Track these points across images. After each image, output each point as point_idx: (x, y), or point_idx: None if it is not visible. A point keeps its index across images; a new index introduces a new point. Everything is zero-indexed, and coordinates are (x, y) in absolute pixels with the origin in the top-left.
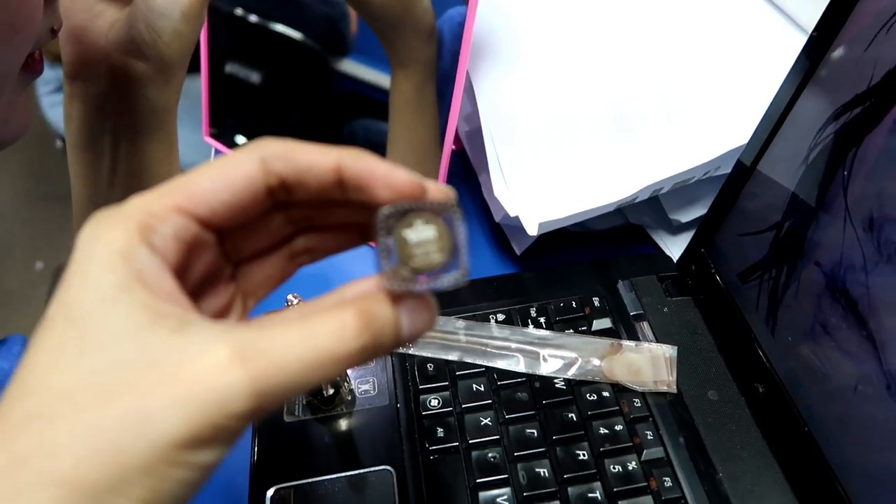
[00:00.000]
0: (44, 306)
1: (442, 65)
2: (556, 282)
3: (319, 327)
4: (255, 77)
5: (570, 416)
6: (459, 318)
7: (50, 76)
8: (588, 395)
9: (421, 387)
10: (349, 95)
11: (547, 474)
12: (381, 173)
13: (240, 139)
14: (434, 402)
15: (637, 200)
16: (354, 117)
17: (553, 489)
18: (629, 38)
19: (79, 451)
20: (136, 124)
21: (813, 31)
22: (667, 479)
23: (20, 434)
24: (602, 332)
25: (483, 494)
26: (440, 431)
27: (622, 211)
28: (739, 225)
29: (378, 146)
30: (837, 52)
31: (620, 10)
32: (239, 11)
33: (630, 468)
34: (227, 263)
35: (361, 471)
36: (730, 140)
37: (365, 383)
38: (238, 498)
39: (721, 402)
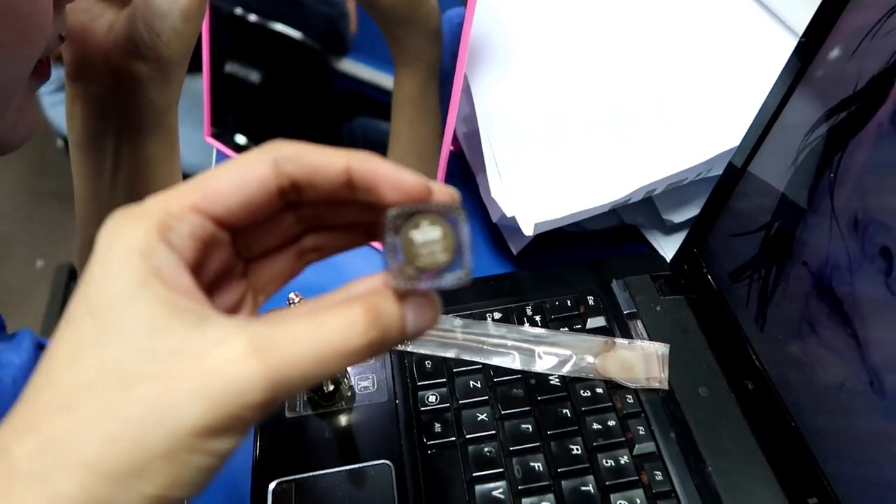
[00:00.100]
0: (45, 304)
1: (442, 65)
2: (551, 281)
3: (329, 323)
4: (254, 76)
5: (564, 412)
6: (457, 316)
7: (51, 76)
8: (582, 391)
9: (419, 383)
10: (349, 94)
11: (541, 468)
12: (388, 175)
13: (240, 138)
14: (432, 399)
15: (631, 201)
16: (354, 116)
17: (547, 483)
18: (624, 42)
19: (103, 438)
20: (137, 124)
21: (801, 37)
22: (658, 472)
23: (46, 421)
24: (596, 331)
25: (479, 488)
26: (438, 427)
27: (617, 211)
28: (731, 225)
29: (377, 145)
30: (824, 58)
31: (615, 13)
32: (239, 11)
33: (622, 462)
34: (240, 261)
35: (361, 465)
36: (722, 142)
37: (364, 380)
38: (241, 491)
39: (711, 399)
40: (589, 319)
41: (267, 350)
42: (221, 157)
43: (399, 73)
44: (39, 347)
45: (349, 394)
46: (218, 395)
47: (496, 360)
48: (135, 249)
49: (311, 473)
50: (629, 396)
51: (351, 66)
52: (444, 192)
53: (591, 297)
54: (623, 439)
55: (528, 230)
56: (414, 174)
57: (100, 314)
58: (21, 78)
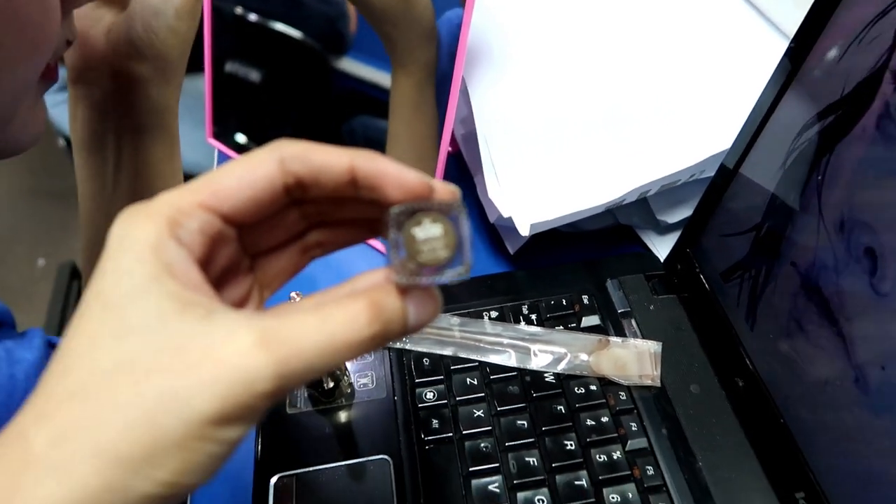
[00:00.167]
0: (45, 302)
1: (440, 66)
2: (547, 280)
3: (334, 316)
4: (254, 76)
5: (558, 408)
6: (454, 314)
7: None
8: (576, 388)
9: (417, 380)
10: (348, 93)
11: (536, 463)
12: (392, 174)
13: (240, 138)
14: (429, 395)
15: (626, 202)
16: (354, 115)
17: (542, 477)
18: (619, 46)
19: (119, 426)
20: (138, 124)
21: (791, 42)
22: (649, 467)
23: (63, 410)
24: (590, 329)
25: (475, 482)
26: (435, 423)
27: (612, 212)
28: (723, 226)
29: (377, 143)
30: (813, 63)
31: (611, 18)
32: (239, 10)
33: (615, 457)
34: (246, 256)
35: (360, 460)
36: (714, 144)
37: (364, 377)
38: (243, 485)
39: (702, 396)
40: (584, 318)
41: (274, 342)
42: (223, 157)
43: (395, 74)
44: (49, 345)
45: (349, 390)
46: (228, 385)
47: (493, 358)
48: (146, 245)
49: (311, 468)
50: (622, 393)
51: (351, 66)
52: (445, 190)
53: (586, 296)
54: (616, 435)
55: (525, 231)
56: (416, 172)
57: (113, 308)
58: (31, 83)
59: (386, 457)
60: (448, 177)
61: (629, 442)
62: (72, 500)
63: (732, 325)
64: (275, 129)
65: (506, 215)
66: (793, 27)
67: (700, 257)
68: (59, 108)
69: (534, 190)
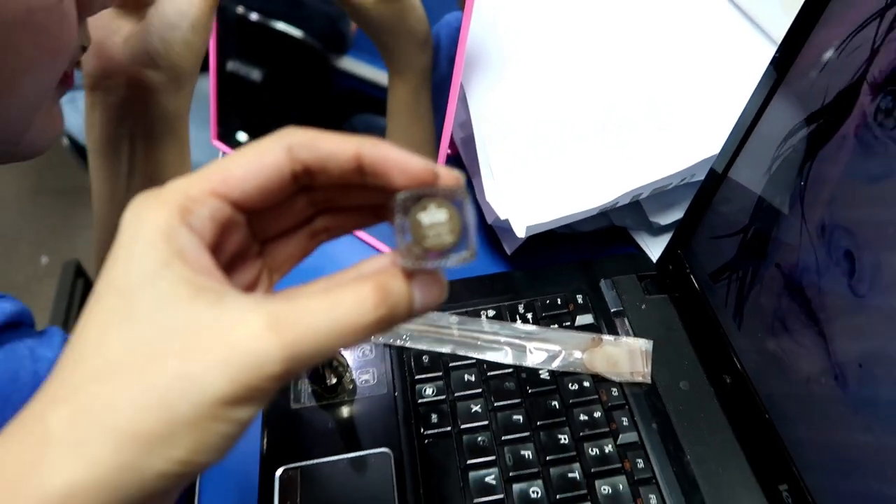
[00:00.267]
0: (48, 300)
1: (439, 69)
2: (543, 280)
3: (341, 300)
4: (256, 75)
5: (553, 403)
6: (453, 313)
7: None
8: (570, 384)
9: (417, 377)
10: (349, 92)
11: (531, 456)
12: (397, 161)
13: (242, 136)
14: (429, 391)
15: (619, 205)
16: (354, 113)
17: (536, 469)
18: (613, 53)
19: (134, 407)
20: (151, 130)
21: (776, 52)
22: (639, 460)
23: (80, 391)
24: (584, 328)
25: (473, 474)
26: (434, 417)
27: (606, 214)
28: (712, 228)
29: None
30: (797, 73)
31: (606, 26)
32: (240, 10)
33: (606, 451)
34: (255, 242)
35: (362, 453)
36: (704, 149)
37: (365, 373)
38: (250, 477)
39: (691, 392)
40: (578, 317)
41: (283, 325)
42: None
43: (392, 80)
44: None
45: (351, 386)
46: (239, 367)
47: (489, 356)
48: (158, 232)
49: (315, 461)
50: (614, 389)
51: (351, 64)
52: (450, 176)
53: (581, 296)
54: (608, 430)
55: (521, 232)
56: (421, 159)
57: (126, 294)
58: (49, 89)
59: (387, 450)
60: None
61: (620, 436)
62: (89, 477)
63: (721, 324)
64: (276, 127)
65: (503, 217)
66: (781, 35)
67: (690, 259)
68: (65, 108)
69: (530, 192)
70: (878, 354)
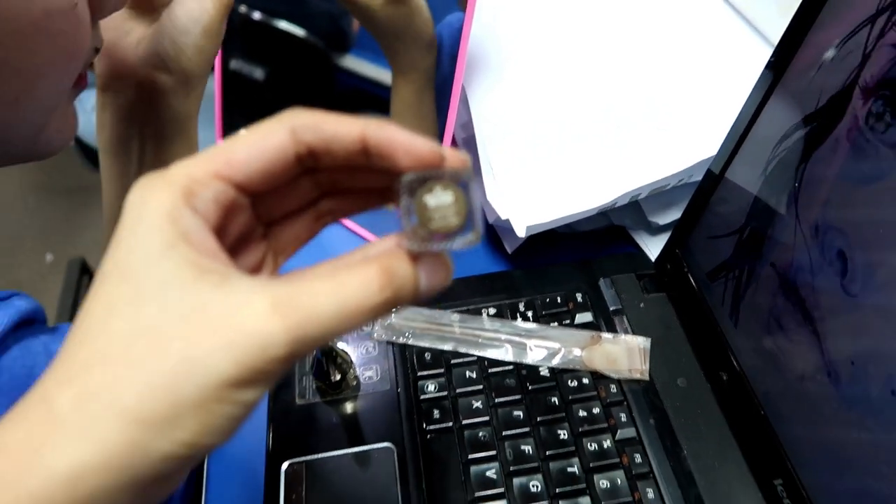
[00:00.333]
0: (54, 297)
1: (441, 69)
2: (543, 279)
3: (347, 282)
4: (258, 73)
5: (552, 400)
6: (454, 311)
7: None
8: (569, 381)
9: (419, 373)
10: (351, 91)
11: (531, 451)
12: (402, 142)
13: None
14: (431, 387)
15: (618, 205)
16: (357, 111)
17: (536, 464)
18: (613, 55)
19: (140, 389)
20: (161, 131)
21: (771, 56)
22: (637, 455)
23: (85, 373)
24: (583, 326)
25: (474, 468)
26: (436, 413)
27: (606, 213)
28: (709, 228)
29: None
30: (792, 76)
31: (605, 28)
32: (243, 9)
33: (605, 446)
34: (260, 224)
35: (365, 447)
36: (702, 150)
37: (369, 370)
38: (256, 471)
39: (689, 389)
40: (577, 315)
41: (288, 308)
42: None
43: (396, 81)
44: None
45: (354, 383)
46: (244, 350)
47: (490, 353)
48: (163, 214)
49: (320, 455)
50: (613, 386)
51: (353, 63)
52: (456, 158)
53: (580, 295)
54: (606, 425)
55: (521, 232)
56: (427, 140)
57: (131, 276)
58: (65, 90)
59: (390, 445)
60: None
61: (619, 432)
62: (95, 458)
63: (718, 322)
64: None
65: (503, 217)
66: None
67: (688, 258)
68: None
69: (530, 193)
70: (870, 352)
